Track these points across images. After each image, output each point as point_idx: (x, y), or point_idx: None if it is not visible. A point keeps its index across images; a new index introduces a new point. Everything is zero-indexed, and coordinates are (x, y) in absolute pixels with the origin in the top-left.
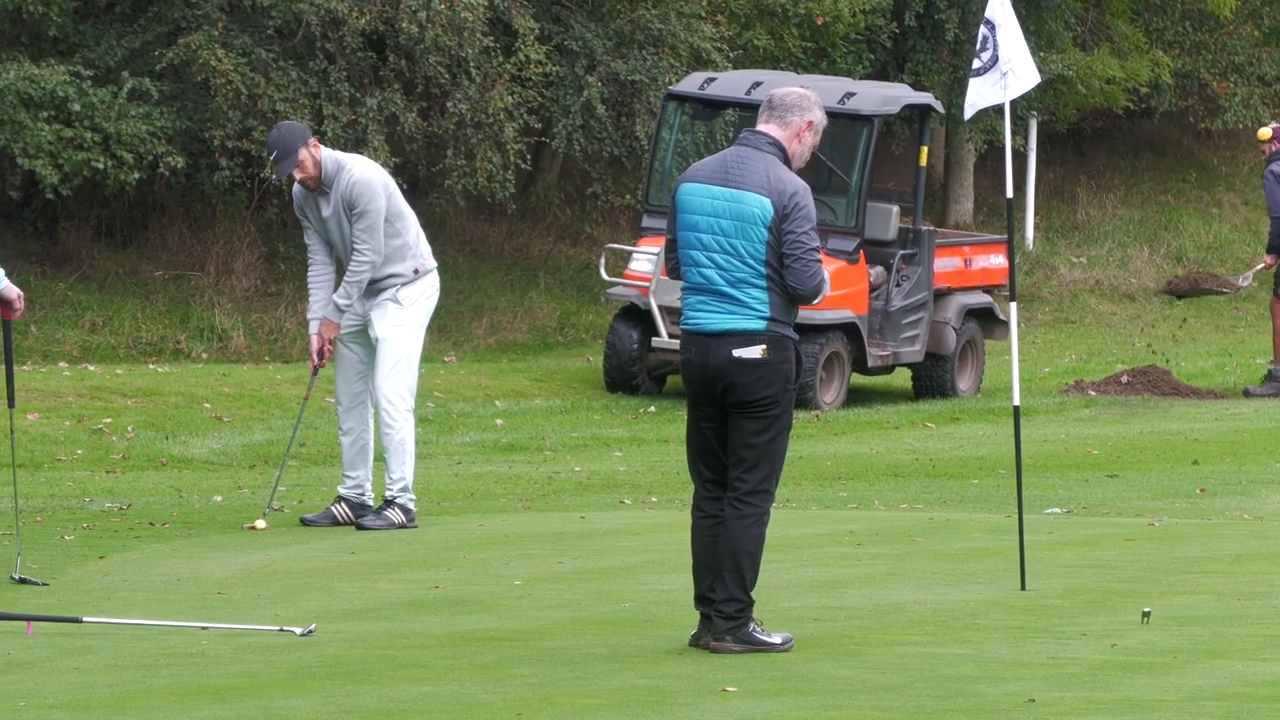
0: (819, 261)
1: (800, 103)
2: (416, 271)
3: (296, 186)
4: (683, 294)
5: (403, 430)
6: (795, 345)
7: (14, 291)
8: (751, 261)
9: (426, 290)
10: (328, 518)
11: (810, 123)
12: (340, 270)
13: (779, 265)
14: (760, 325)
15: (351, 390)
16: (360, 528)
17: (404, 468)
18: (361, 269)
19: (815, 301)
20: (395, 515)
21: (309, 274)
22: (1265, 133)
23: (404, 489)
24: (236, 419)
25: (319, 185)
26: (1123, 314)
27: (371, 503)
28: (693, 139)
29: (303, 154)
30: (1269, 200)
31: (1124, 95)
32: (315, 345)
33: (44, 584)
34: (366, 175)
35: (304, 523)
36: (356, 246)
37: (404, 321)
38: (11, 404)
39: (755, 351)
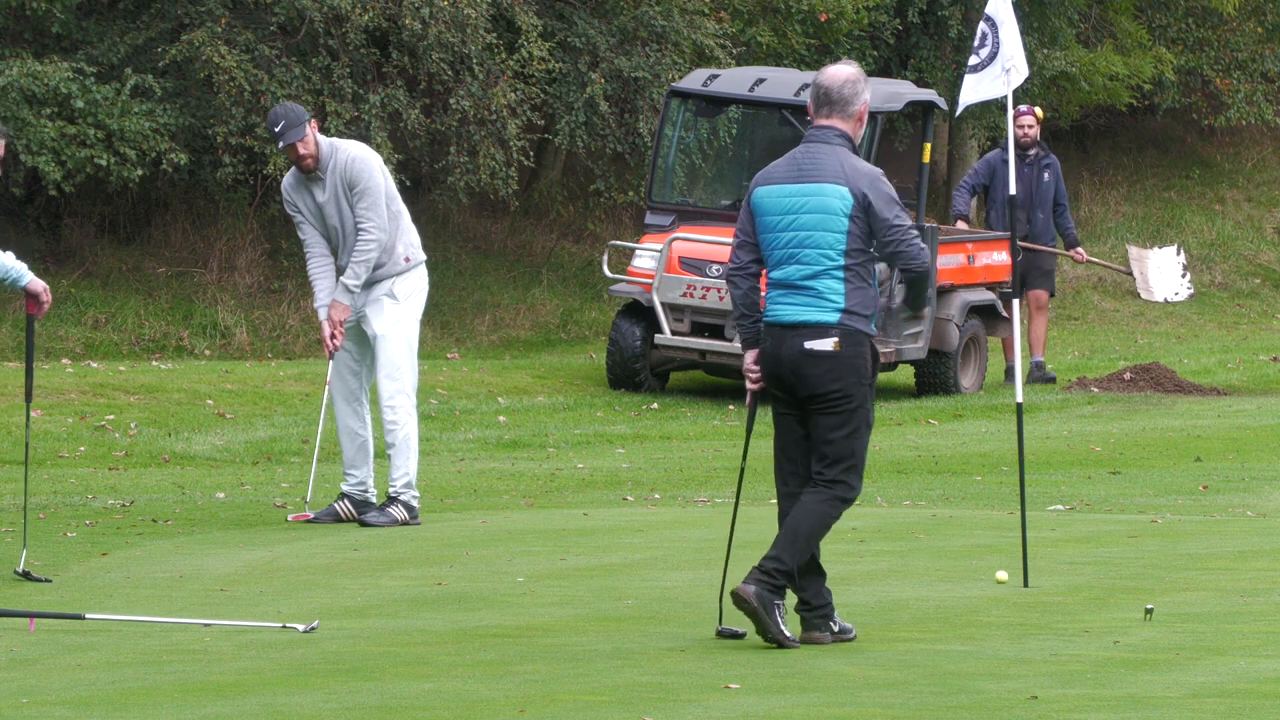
0: (916, 236)
1: (855, 91)
2: (408, 260)
3: (287, 179)
4: (767, 289)
5: (406, 427)
6: (870, 342)
7: (39, 285)
8: (832, 253)
9: (419, 283)
10: (331, 515)
11: (866, 104)
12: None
13: (861, 255)
14: (834, 318)
15: (346, 387)
16: (364, 524)
17: (408, 464)
18: (369, 247)
19: (923, 270)
20: (399, 512)
21: (309, 267)
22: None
23: (407, 485)
24: (239, 416)
25: (316, 167)
26: (1125, 311)
27: (374, 499)
28: (696, 136)
29: (306, 130)
30: None
31: (1127, 92)
32: (327, 330)
33: (47, 580)
34: (363, 153)
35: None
36: (361, 225)
37: (401, 317)
38: (29, 399)
39: (827, 344)
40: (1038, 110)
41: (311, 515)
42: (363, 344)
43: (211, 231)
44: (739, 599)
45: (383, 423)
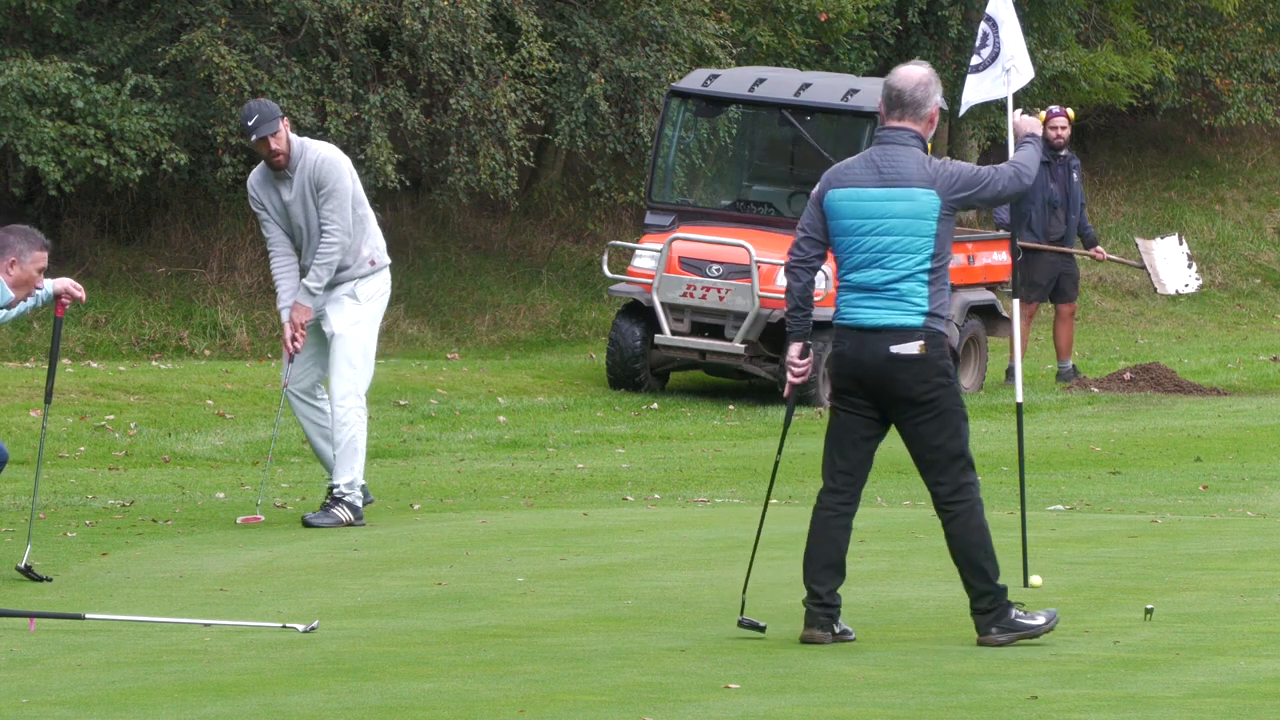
0: (995, 172)
1: (928, 94)
2: (373, 263)
3: (253, 175)
4: (838, 291)
5: (354, 428)
6: (947, 340)
7: (62, 284)
8: (919, 257)
9: (382, 286)
10: (331, 518)
11: (938, 105)
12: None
13: (944, 256)
14: (918, 321)
15: (310, 390)
16: (306, 524)
17: (353, 466)
18: (331, 250)
19: (1027, 185)
20: (343, 513)
21: (273, 266)
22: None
23: (350, 485)
24: (239, 416)
25: (286, 164)
26: (1125, 311)
27: (368, 498)
28: (696, 136)
29: (279, 126)
30: None
31: (1127, 92)
32: (289, 332)
33: (47, 579)
34: (332, 155)
35: (306, 523)
36: (326, 227)
37: (361, 318)
38: (48, 399)
39: (912, 348)
40: (1070, 111)
41: (262, 518)
42: (324, 346)
43: (211, 231)
44: (990, 645)
45: (332, 420)
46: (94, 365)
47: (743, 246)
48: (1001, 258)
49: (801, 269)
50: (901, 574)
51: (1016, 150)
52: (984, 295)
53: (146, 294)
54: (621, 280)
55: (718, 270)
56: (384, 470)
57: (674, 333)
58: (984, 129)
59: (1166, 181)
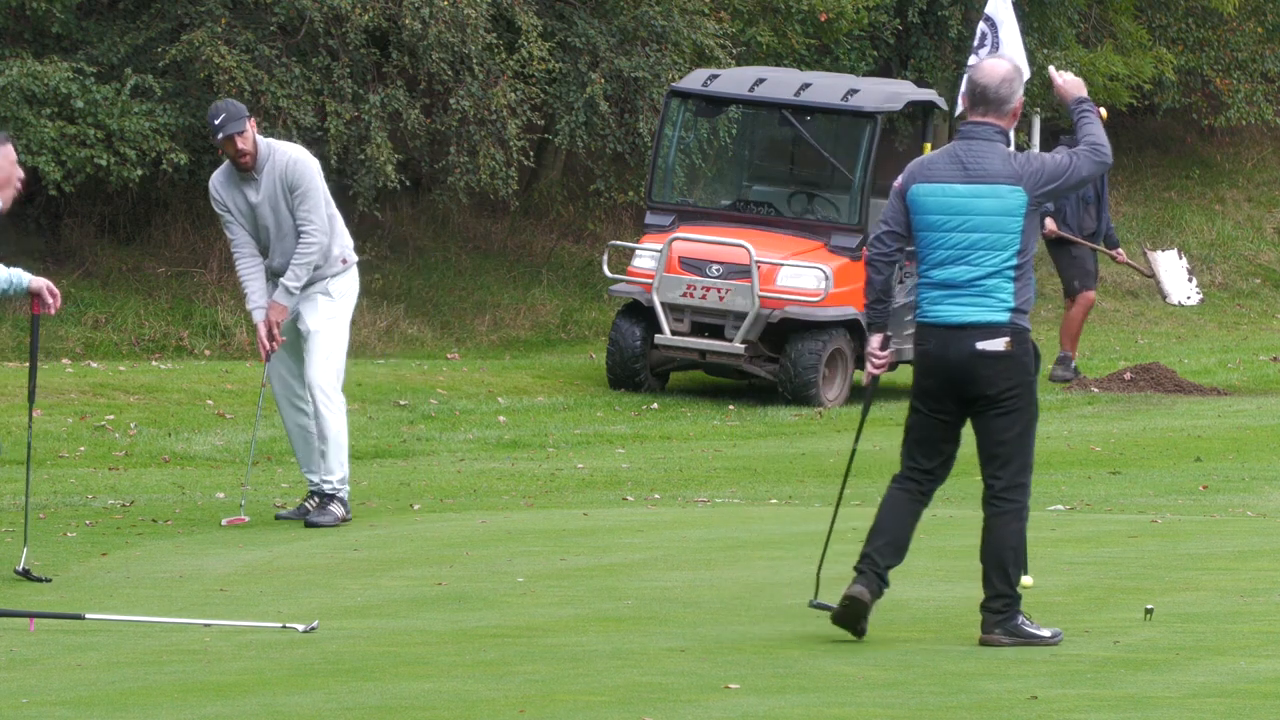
0: (1075, 158)
1: (1012, 90)
2: (345, 261)
3: (216, 177)
4: (918, 288)
5: (337, 421)
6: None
7: (40, 282)
8: (1006, 254)
9: (353, 284)
10: (301, 513)
11: (1021, 101)
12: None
13: (1029, 252)
14: (1004, 318)
15: (288, 388)
16: (309, 525)
17: (341, 461)
18: (310, 249)
19: (1108, 159)
20: (339, 510)
21: (239, 268)
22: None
23: (343, 481)
24: (239, 416)
25: (253, 165)
26: (1125, 311)
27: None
28: (696, 136)
29: (247, 125)
30: None
31: (1127, 92)
32: (263, 331)
33: (47, 580)
34: (302, 155)
35: (278, 517)
36: (304, 228)
37: (336, 314)
38: (32, 400)
39: (999, 344)
40: (1102, 111)
41: (247, 519)
42: (300, 344)
43: (211, 231)
44: (991, 645)
45: (314, 415)
46: (94, 365)
47: (743, 246)
48: None
49: (883, 262)
50: (901, 574)
51: (1080, 127)
52: None
53: (146, 294)
54: (621, 280)
55: (718, 270)
56: (384, 470)
57: (674, 333)
58: None
59: (1166, 181)
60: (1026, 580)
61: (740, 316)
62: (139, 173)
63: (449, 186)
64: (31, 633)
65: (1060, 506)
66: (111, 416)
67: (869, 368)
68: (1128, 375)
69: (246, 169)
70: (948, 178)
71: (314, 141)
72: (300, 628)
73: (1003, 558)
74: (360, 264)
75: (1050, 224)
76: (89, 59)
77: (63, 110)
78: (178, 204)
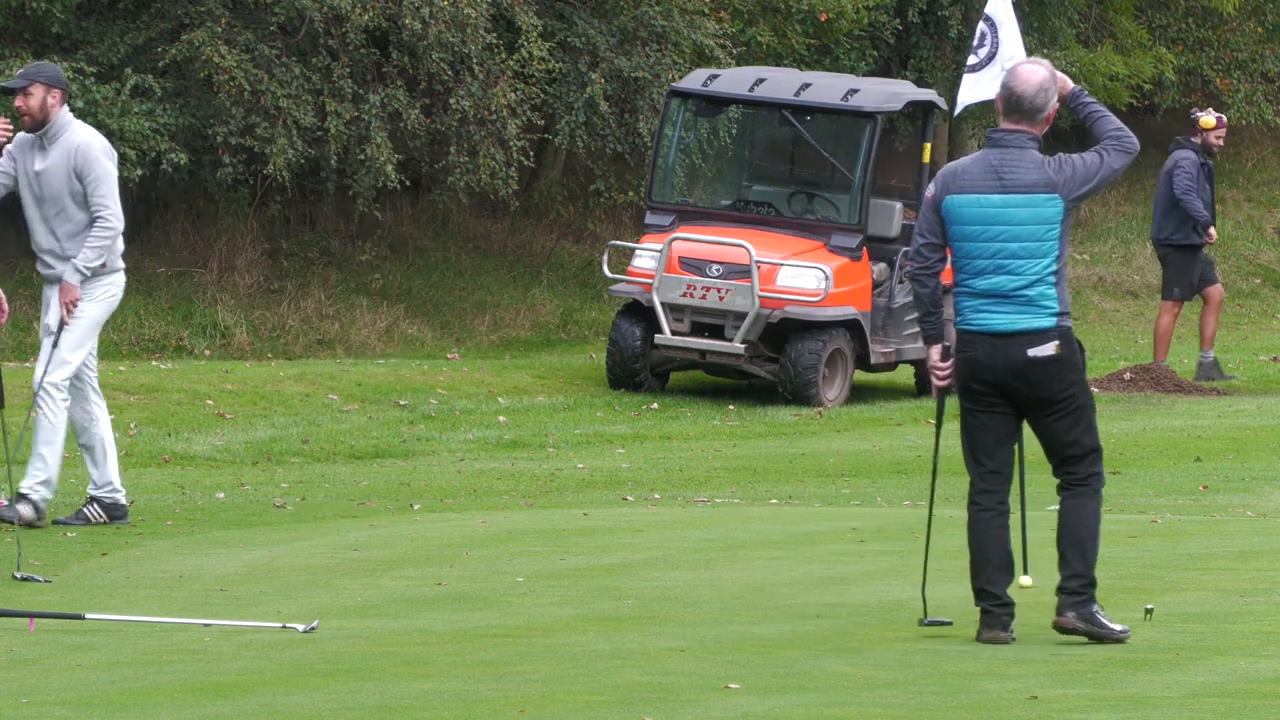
0: (1105, 155)
1: (1047, 99)
2: (105, 265)
3: (20, 135)
4: (957, 297)
5: (58, 414)
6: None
7: None
8: (1046, 261)
9: (112, 288)
10: (80, 519)
11: (1055, 107)
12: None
13: (1064, 255)
14: (1051, 322)
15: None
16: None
17: (51, 463)
18: (105, 233)
19: (1135, 148)
20: (28, 511)
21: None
22: (1210, 120)
23: (46, 485)
24: (239, 416)
25: (34, 128)
26: (1125, 311)
27: (123, 499)
28: (696, 136)
29: (38, 90)
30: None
31: (1127, 92)
32: (61, 312)
33: (46, 580)
34: (94, 140)
35: (56, 523)
36: (99, 214)
37: (81, 315)
38: (0, 404)
39: (1049, 349)
40: (1223, 118)
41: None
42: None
43: (211, 231)
44: (1065, 630)
45: (36, 408)
46: None
47: (743, 246)
48: None
49: (926, 275)
50: (901, 574)
51: (1096, 123)
52: None
53: (146, 294)
54: (621, 280)
55: (718, 270)
56: (384, 470)
57: (674, 333)
58: (984, 129)
59: None
60: (1026, 580)
61: (740, 316)
62: (139, 173)
63: (449, 186)
64: (31, 633)
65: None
66: (112, 416)
67: (934, 381)
68: (1128, 375)
69: (27, 129)
70: (982, 188)
71: (314, 141)
72: (300, 628)
73: (1080, 536)
74: (360, 264)
75: (1212, 232)
76: (89, 59)
77: None
78: (178, 204)
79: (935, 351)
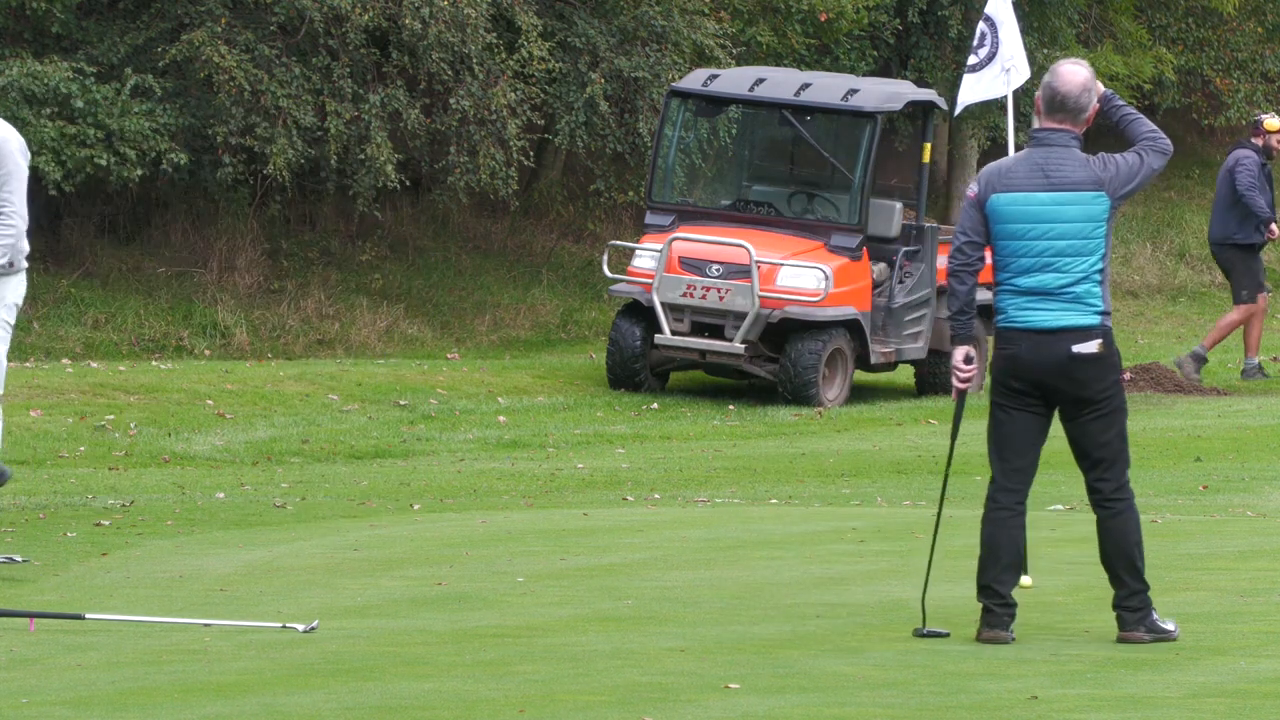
0: (1145, 154)
1: (1090, 99)
2: (12, 265)
3: None
4: (1000, 295)
5: None
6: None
7: None
8: (1093, 259)
9: (19, 288)
10: None
11: (1095, 107)
12: None
13: (1108, 255)
14: (1096, 320)
15: None
16: None
17: None
18: (8, 232)
19: (1169, 147)
20: None
21: None
22: (1275, 123)
23: None
24: (239, 416)
25: None
26: (1125, 311)
27: (7, 470)
28: (696, 136)
29: None
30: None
31: (1127, 92)
32: None
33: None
34: (16, 138)
35: None
36: (3, 209)
37: None
38: None
39: (1092, 347)
40: None
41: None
42: None
43: (211, 231)
44: (1132, 643)
45: None
46: (94, 365)
47: (743, 246)
48: None
49: (966, 273)
50: (901, 574)
51: (1131, 125)
52: (984, 295)
53: (146, 294)
54: (621, 280)
55: (718, 270)
56: (384, 470)
57: (674, 333)
58: (984, 129)
59: (1166, 181)
60: (1025, 580)
61: (740, 316)
62: (139, 173)
63: (449, 186)
64: (31, 633)
65: (1060, 506)
66: (111, 416)
67: (955, 382)
68: (1128, 375)
69: None
70: (1029, 186)
71: (314, 141)
72: (300, 628)
73: (1130, 554)
74: (360, 264)
75: (1275, 228)
76: (89, 59)
77: (63, 110)
78: (178, 204)
79: (960, 353)
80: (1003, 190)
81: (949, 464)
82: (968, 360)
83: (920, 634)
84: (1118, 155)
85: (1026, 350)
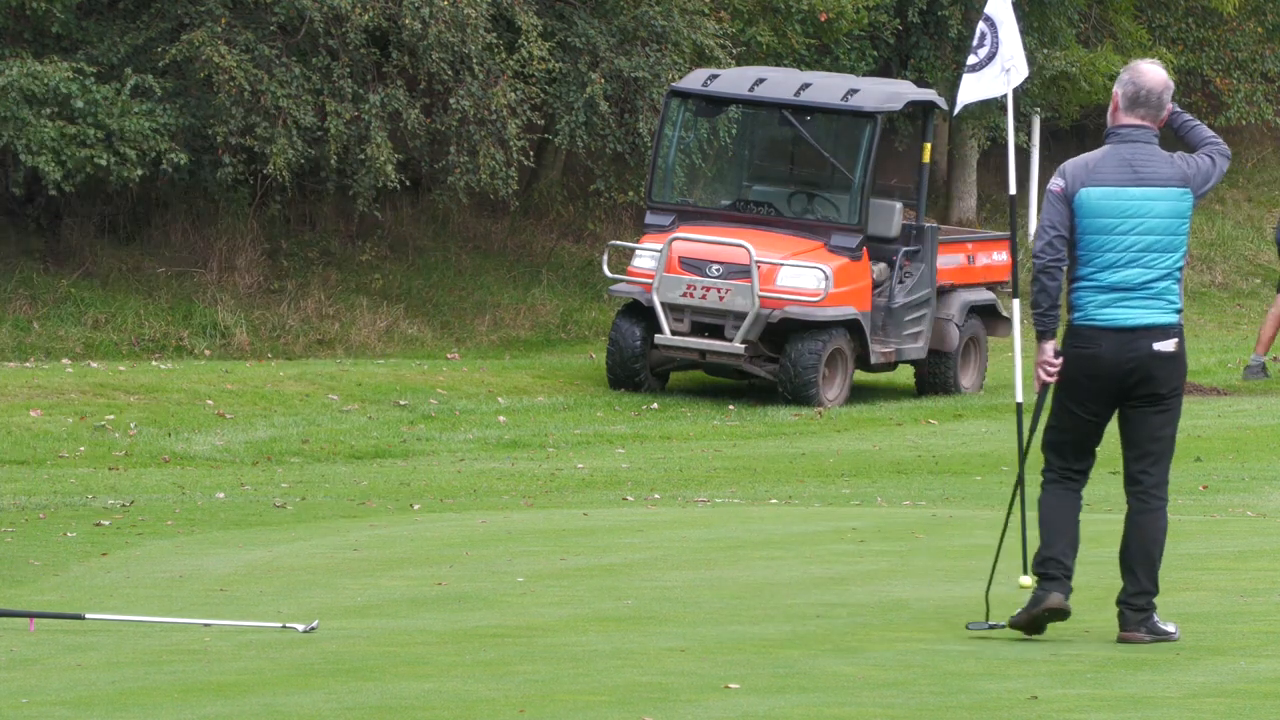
0: (1214, 158)
1: (1168, 94)
2: None
3: None
4: (1079, 291)
5: None
6: None
7: None
8: (1176, 256)
9: None
10: None
11: (1171, 107)
12: None
13: (1187, 253)
14: (1174, 319)
15: None
16: None
17: None
18: None
19: (1229, 153)
20: None
21: None
22: None
23: None
24: (239, 416)
25: None
26: None
27: None
28: (696, 136)
29: None
30: None
31: None
32: None
33: None
34: None
35: None
36: None
37: None
38: None
39: (1170, 345)
40: None
41: None
42: None
43: (211, 231)
44: (1132, 643)
45: None
46: (94, 365)
47: (743, 246)
48: (1001, 258)
49: (1056, 268)
50: (901, 574)
51: (1192, 131)
52: (984, 295)
53: (146, 294)
54: (621, 280)
55: (718, 270)
56: (384, 470)
57: (674, 333)
58: (984, 129)
59: None
60: (1026, 580)
61: (740, 316)
62: (139, 173)
63: (449, 186)
64: (31, 633)
65: None
66: (111, 416)
67: (1041, 375)
68: None
69: None
70: (1118, 181)
71: (314, 141)
72: (300, 628)
73: (1151, 552)
74: (360, 264)
75: None
76: (89, 59)
77: (63, 110)
78: (177, 204)
79: (1049, 347)
80: (1092, 184)
81: (1023, 458)
82: (1056, 354)
83: (974, 627)
84: (1193, 155)
85: (1108, 349)
